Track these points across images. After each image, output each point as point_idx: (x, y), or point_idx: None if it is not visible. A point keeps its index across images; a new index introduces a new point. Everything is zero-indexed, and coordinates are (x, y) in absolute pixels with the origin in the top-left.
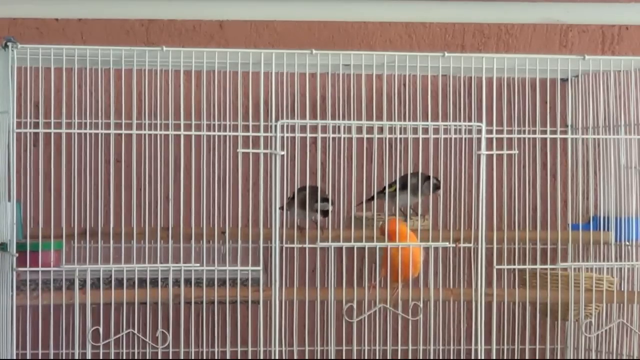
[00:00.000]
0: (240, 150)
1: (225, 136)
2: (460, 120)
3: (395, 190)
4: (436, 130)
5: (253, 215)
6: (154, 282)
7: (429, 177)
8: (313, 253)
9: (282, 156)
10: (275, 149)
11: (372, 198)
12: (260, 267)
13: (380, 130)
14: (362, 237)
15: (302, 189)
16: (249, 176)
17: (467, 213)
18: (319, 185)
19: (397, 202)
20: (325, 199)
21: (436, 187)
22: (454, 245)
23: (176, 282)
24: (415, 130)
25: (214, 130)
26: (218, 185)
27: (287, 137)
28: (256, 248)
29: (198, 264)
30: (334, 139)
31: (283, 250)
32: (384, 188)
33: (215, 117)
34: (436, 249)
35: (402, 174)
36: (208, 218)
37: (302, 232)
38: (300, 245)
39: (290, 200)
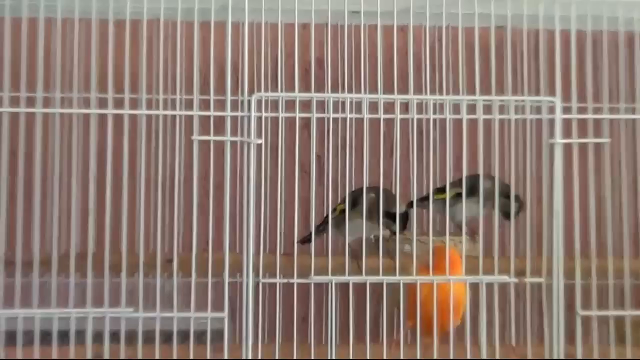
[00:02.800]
0: (195, 137)
1: (173, 117)
2: (522, 94)
3: (442, 196)
4: (487, 109)
5: (215, 234)
6: (64, 335)
7: (505, 189)
8: (304, 291)
9: (259, 146)
10: (249, 135)
11: (410, 207)
12: (225, 314)
13: (406, 108)
14: (378, 268)
15: (355, 191)
16: (209, 176)
17: (536, 232)
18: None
19: (449, 213)
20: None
21: (518, 209)
22: (516, 280)
23: (98, 336)
24: (456, 109)
25: (157, 108)
26: (162, 189)
27: (267, 119)
28: (219, 284)
29: (131, 309)
30: (335, 121)
31: (260, 288)
32: (425, 196)
33: (159, 88)
34: (490, 285)
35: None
36: (146, 239)
37: (359, 261)
38: (285, 281)
39: (342, 211)
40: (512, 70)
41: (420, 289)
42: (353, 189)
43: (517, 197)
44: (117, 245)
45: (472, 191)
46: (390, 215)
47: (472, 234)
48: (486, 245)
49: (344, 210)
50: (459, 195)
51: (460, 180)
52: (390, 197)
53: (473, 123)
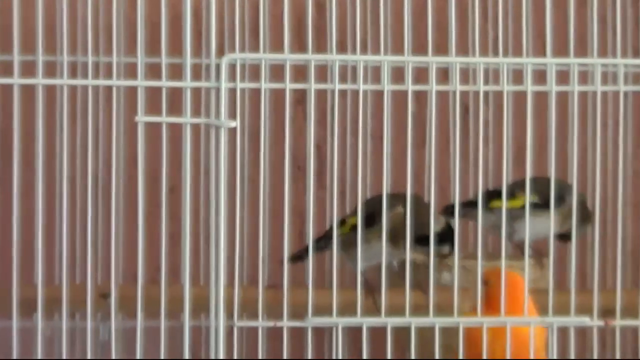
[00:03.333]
0: (140, 118)
1: (108, 88)
2: (614, 55)
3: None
4: (562, 76)
5: (169, 258)
6: None
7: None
8: (298, 338)
9: (233, 131)
10: (218, 115)
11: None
12: None
13: (444, 75)
14: (403, 306)
15: (374, 200)
16: (161, 174)
17: (630, 255)
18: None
19: (506, 229)
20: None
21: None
22: (601, 323)
23: None
24: (517, 76)
25: (84, 77)
26: (94, 192)
27: (244, 91)
28: (176, 329)
29: None
30: (343, 93)
31: (234, 334)
32: (471, 200)
33: (87, 48)
34: (563, 330)
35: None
36: (71, 264)
37: (375, 296)
38: (271, 324)
39: (353, 227)
40: (599, 20)
41: (471, 335)
42: (369, 196)
43: (584, 206)
44: (30, 274)
45: (541, 201)
46: (426, 239)
47: (539, 257)
48: (558, 273)
49: (356, 227)
50: (538, 204)
51: (521, 182)
52: (424, 211)
53: (541, 97)
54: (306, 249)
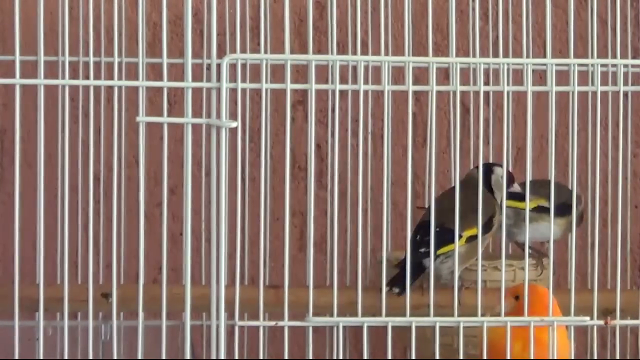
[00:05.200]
0: (141, 119)
1: (110, 89)
2: (614, 55)
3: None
4: (562, 76)
5: (171, 258)
6: None
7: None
8: (299, 337)
9: (234, 131)
10: (219, 115)
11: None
12: None
13: (445, 75)
14: (402, 307)
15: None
16: (162, 174)
17: (630, 255)
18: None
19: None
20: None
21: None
22: (601, 322)
23: None
24: (517, 77)
25: (86, 77)
26: (95, 192)
27: (245, 92)
28: (177, 328)
29: None
30: (343, 94)
31: (235, 333)
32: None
33: (88, 48)
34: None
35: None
36: (73, 264)
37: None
38: (272, 324)
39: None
40: (599, 21)
41: (485, 338)
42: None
43: (578, 198)
44: (32, 273)
45: (543, 206)
46: None
47: (539, 257)
48: (558, 273)
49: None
50: (534, 210)
51: (533, 185)
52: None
53: (541, 97)
54: (402, 274)
